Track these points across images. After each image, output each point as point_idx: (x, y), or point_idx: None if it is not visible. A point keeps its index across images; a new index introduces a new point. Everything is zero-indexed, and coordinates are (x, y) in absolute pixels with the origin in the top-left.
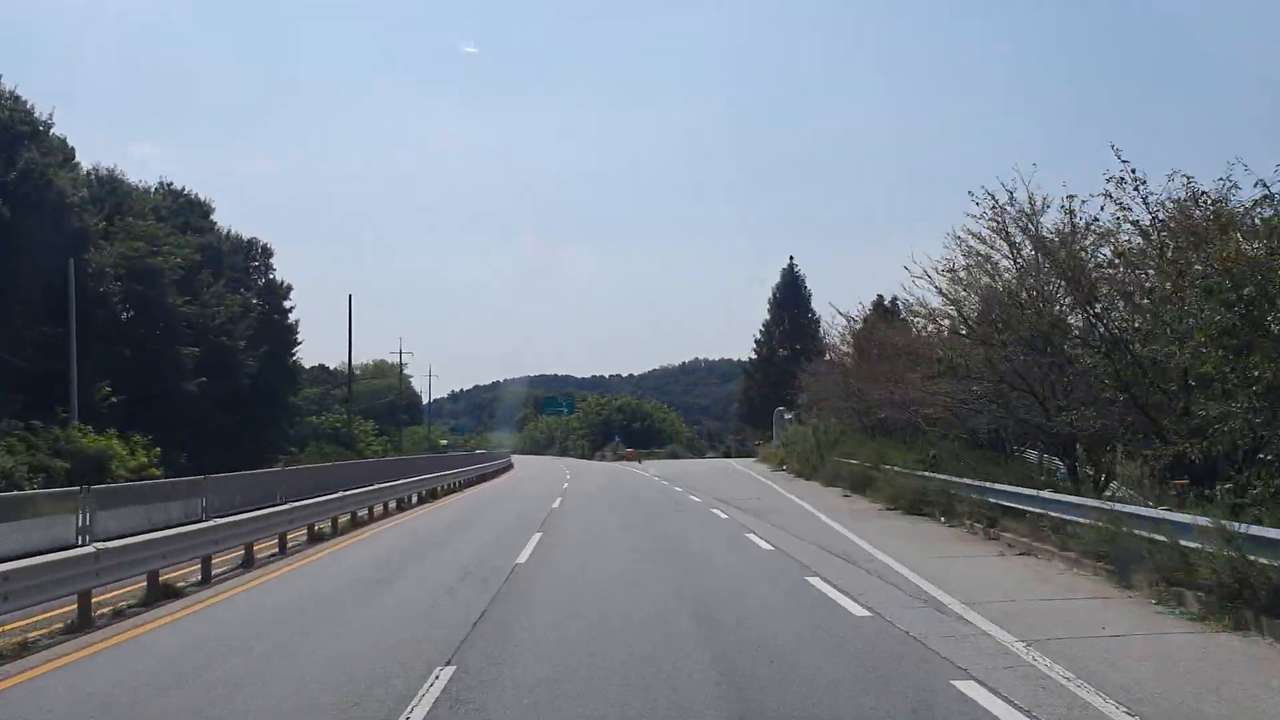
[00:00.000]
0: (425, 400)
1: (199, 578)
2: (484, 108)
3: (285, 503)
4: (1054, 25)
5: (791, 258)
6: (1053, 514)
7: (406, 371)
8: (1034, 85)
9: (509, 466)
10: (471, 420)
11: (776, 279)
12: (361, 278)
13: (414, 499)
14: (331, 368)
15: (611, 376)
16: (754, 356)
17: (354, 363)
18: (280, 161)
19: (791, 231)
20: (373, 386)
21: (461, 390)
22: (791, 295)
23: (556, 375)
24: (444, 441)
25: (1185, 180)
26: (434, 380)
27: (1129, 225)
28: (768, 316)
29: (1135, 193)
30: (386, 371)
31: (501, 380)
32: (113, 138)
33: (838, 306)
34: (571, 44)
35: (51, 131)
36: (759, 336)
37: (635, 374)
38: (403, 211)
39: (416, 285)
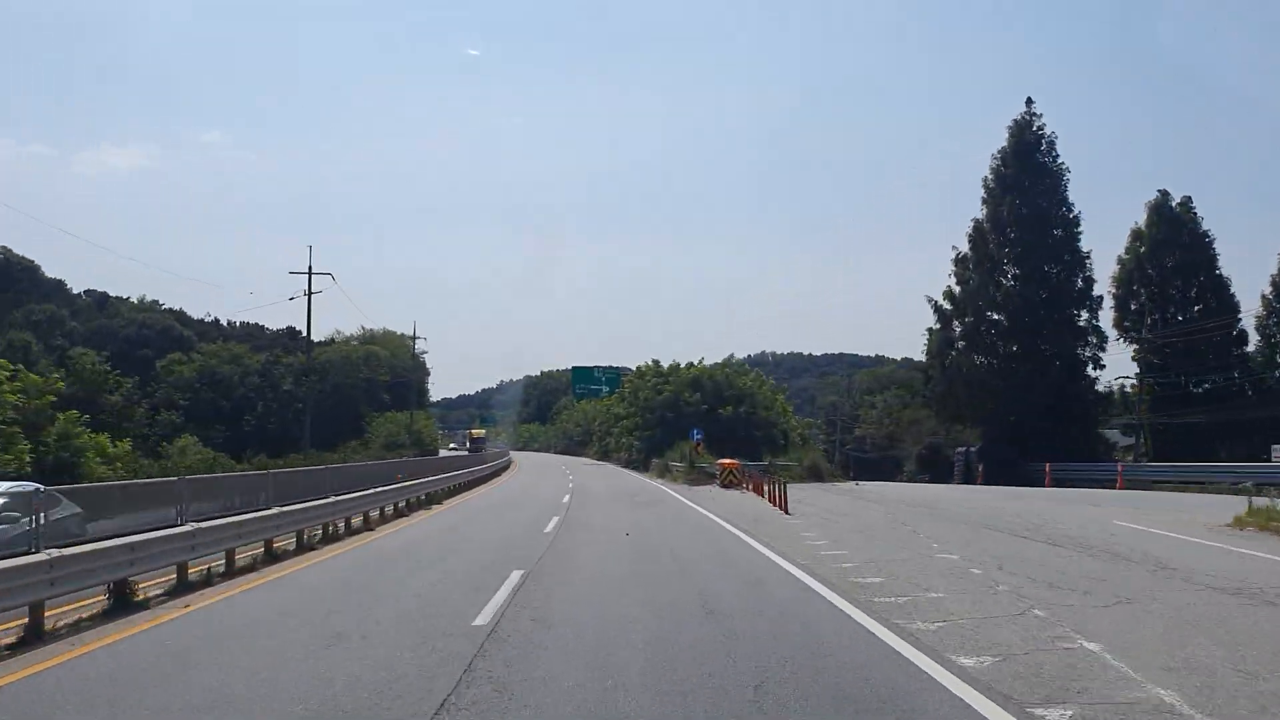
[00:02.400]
0: (432, 382)
1: None
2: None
3: None
4: None
5: (1029, 101)
6: None
7: (420, 347)
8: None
9: (486, 478)
10: (512, 412)
11: (1003, 141)
12: (387, 269)
13: None
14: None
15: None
16: (953, 288)
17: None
18: (280, 160)
19: (824, 218)
20: (345, 354)
21: (510, 380)
22: (1027, 170)
23: (600, 366)
24: (479, 433)
25: None
26: (470, 369)
27: None
28: (981, 211)
29: None
30: (385, 341)
31: (542, 371)
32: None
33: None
34: (572, 41)
35: None
36: (963, 251)
37: (680, 364)
38: (423, 207)
39: (439, 278)
